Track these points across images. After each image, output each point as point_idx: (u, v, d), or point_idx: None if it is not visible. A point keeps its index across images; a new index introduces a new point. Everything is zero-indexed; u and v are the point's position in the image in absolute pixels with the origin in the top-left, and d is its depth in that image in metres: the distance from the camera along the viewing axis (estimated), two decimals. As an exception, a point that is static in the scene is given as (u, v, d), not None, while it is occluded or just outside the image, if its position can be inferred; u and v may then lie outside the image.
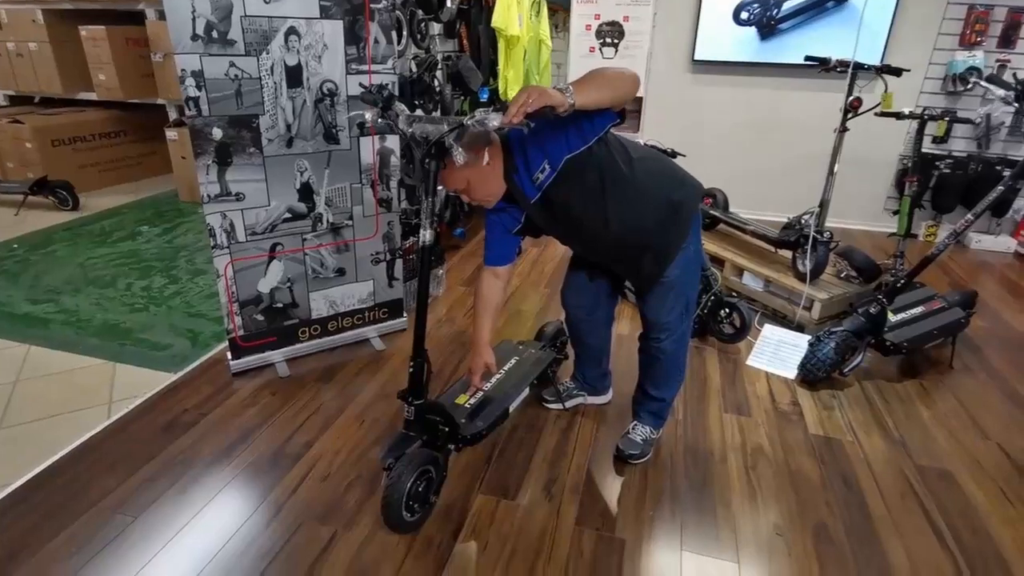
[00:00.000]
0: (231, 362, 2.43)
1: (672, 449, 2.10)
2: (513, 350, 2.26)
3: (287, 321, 2.50)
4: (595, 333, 2.15)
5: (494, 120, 1.35)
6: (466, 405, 1.91)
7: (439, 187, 1.67)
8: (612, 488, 1.91)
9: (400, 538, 1.69)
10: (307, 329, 2.56)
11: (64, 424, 2.18)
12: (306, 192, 2.35)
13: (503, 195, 1.69)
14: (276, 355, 2.51)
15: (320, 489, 1.87)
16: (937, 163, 4.05)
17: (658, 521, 1.79)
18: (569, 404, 2.26)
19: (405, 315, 2.83)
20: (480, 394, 1.97)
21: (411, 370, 1.60)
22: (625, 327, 2.90)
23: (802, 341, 2.63)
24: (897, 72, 2.82)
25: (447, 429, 1.77)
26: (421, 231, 1.52)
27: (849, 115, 2.79)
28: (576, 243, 1.88)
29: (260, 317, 2.42)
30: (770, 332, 2.76)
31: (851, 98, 2.74)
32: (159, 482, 1.89)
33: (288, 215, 2.34)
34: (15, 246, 3.82)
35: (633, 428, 2.05)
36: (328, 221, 2.45)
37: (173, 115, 4.85)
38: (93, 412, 2.24)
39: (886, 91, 2.75)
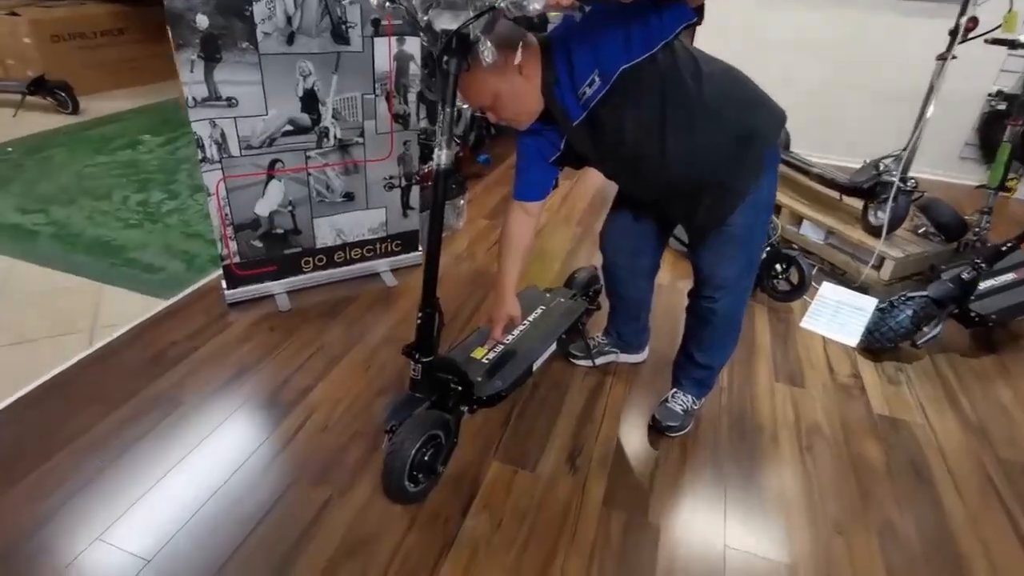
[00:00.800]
0: (226, 291, 2.19)
1: (715, 421, 1.84)
2: (539, 298, 1.98)
3: (289, 249, 2.24)
4: (635, 284, 1.85)
5: (536, 2, 1.01)
6: (483, 360, 1.66)
7: (463, 104, 1.34)
8: (646, 464, 1.67)
9: (402, 508, 1.48)
10: (311, 259, 2.30)
11: (41, 351, 1.98)
12: (310, 101, 2.02)
13: (539, 114, 1.36)
14: (276, 286, 2.26)
15: (317, 443, 1.67)
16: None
17: (698, 507, 1.55)
18: (599, 361, 2.00)
19: (420, 249, 2.55)
20: (500, 348, 1.71)
21: (419, 322, 1.33)
22: (664, 275, 2.58)
23: (867, 304, 2.30)
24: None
25: (460, 388, 1.52)
26: (436, 151, 1.21)
27: (959, 40, 2.32)
28: (624, 176, 1.55)
29: (258, 243, 2.16)
30: (829, 292, 2.43)
31: (966, 18, 2.26)
32: (139, 423, 1.70)
33: (289, 128, 2.02)
34: (9, 149, 3.57)
35: (673, 396, 1.79)
36: (335, 137, 2.12)
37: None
38: (74, 339, 2.04)
39: (1011, 10, 2.26)
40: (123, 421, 1.70)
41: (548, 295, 2.00)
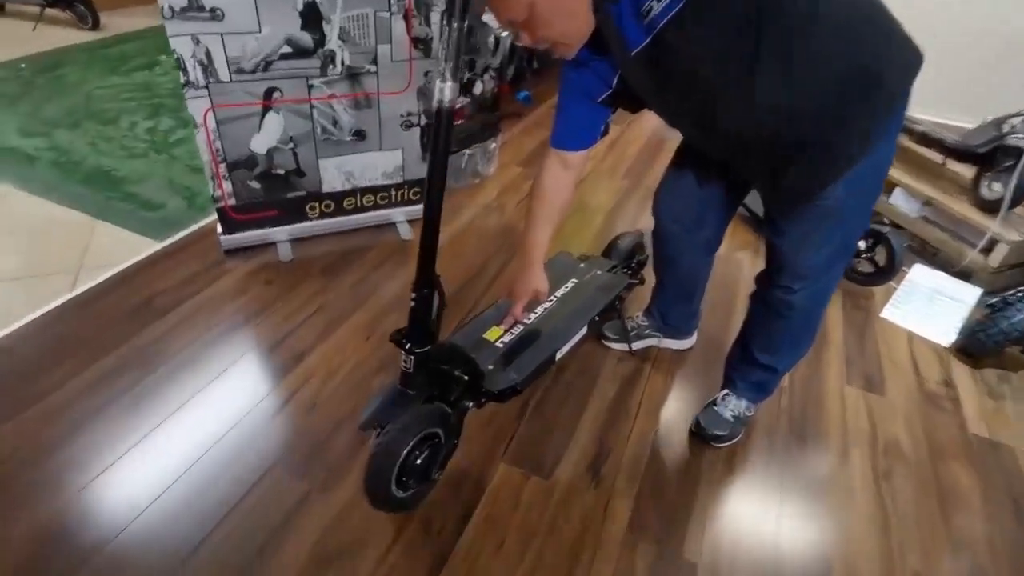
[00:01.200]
0: (222, 237, 1.96)
1: (771, 430, 1.54)
2: (571, 268, 1.67)
3: (291, 193, 1.97)
4: (692, 259, 1.53)
5: None
6: (498, 344, 1.38)
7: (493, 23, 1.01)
8: (684, 480, 1.40)
9: (389, 515, 1.26)
10: (317, 205, 2.03)
11: (20, 292, 1.81)
12: (312, 17, 1.70)
13: (589, 38, 1.02)
14: (278, 233, 2.02)
15: (302, 424, 1.45)
16: None
17: (746, 543, 1.28)
18: (637, 347, 1.70)
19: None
20: (520, 329, 1.43)
21: (412, 304, 1.06)
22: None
23: (968, 295, 1.92)
24: None
25: (467, 378, 1.26)
26: (438, 82, 0.90)
27: None
28: (693, 125, 1.19)
29: (256, 184, 1.90)
30: (922, 276, 2.04)
31: None
32: (113, 383, 1.51)
33: (287, 50, 1.71)
34: (22, 66, 3.37)
35: (723, 398, 1.49)
36: (343, 63, 1.80)
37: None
38: (57, 280, 1.85)
39: None
40: (95, 380, 1.52)
41: (582, 265, 1.69)
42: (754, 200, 1.50)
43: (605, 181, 2.67)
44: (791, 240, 1.20)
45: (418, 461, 1.19)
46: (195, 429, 1.41)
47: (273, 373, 1.58)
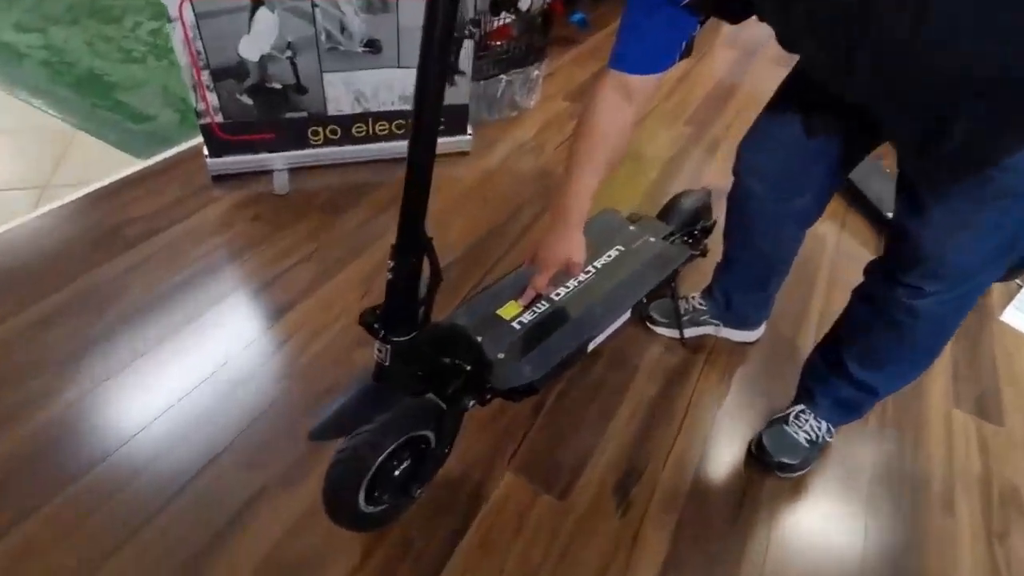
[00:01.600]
0: (208, 160, 1.68)
1: (851, 457, 1.21)
2: (618, 231, 1.32)
3: (290, 112, 1.66)
4: (777, 232, 1.17)
5: None
6: (514, 324, 1.07)
7: None
8: (738, 514, 1.09)
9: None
10: (321, 130, 1.72)
11: (-26, 208, 1.58)
12: None
13: None
14: (275, 160, 1.72)
15: (269, 397, 1.19)
16: None
17: (811, 610, 0.99)
18: (690, 334, 1.38)
19: (471, 132, 1.90)
20: (545, 307, 1.11)
21: (389, 276, 0.75)
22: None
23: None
24: None
25: (470, 368, 0.96)
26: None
27: None
28: (832, 45, 0.79)
29: (247, 100, 1.59)
30: (1058, 273, 1.62)
31: None
32: (56, 327, 1.28)
33: (283, -76, 1.36)
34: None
35: (797, 416, 1.16)
36: (354, -51, 1.44)
37: None
38: (18, 197, 1.61)
39: None
40: (36, 322, 1.29)
41: (632, 228, 1.34)
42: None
43: (662, 126, 2.26)
44: (937, 225, 0.84)
45: (396, 472, 0.92)
46: (136, 397, 1.17)
47: (244, 331, 1.32)
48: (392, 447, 0.89)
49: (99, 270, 1.43)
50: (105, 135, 1.86)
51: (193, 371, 1.22)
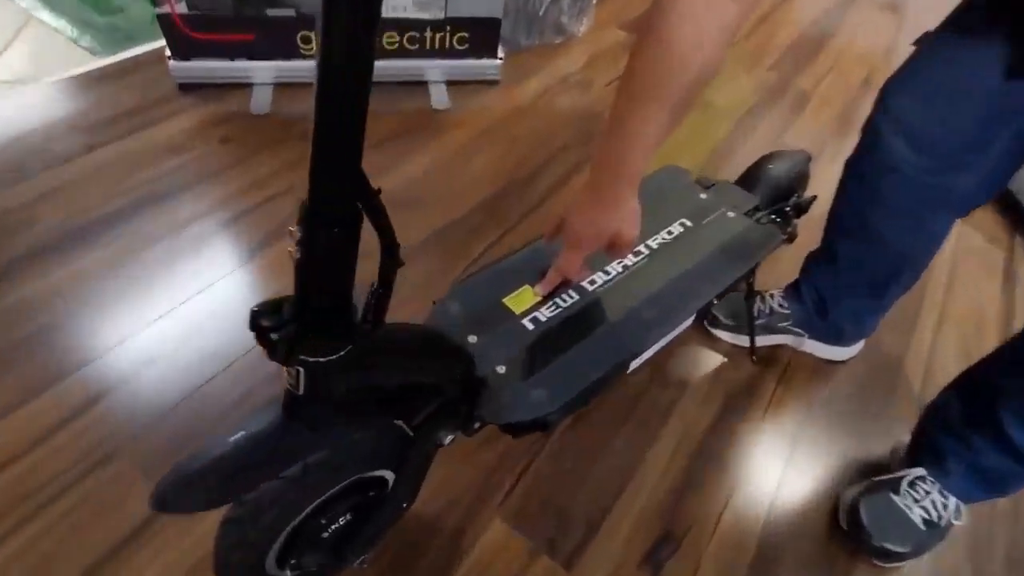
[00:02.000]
0: (171, 62, 1.35)
1: (975, 542, 0.88)
2: (685, 198, 0.96)
3: (274, 10, 1.31)
4: (923, 220, 0.81)
5: None
6: (526, 323, 0.74)
7: None
8: (813, 618, 0.78)
9: None
10: (314, 36, 1.36)
11: None
12: None
13: None
14: (257, 71, 1.39)
15: (194, 383, 0.90)
16: None
17: None
18: (763, 343, 1.03)
19: (502, 56, 1.53)
20: (573, 302, 0.77)
21: (297, 256, 0.42)
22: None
23: None
24: None
25: (448, 391, 0.64)
26: None
27: None
28: None
29: (219, -13, 1.24)
30: None
31: None
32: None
33: None
34: None
35: (913, 484, 0.83)
36: None
37: None
38: (-63, 92, 1.32)
39: None
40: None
41: (703, 196, 0.97)
42: None
43: (743, 72, 1.84)
44: None
45: (325, 533, 0.62)
46: (34, 358, 0.89)
47: (183, 286, 1.02)
48: (319, 501, 0.59)
49: (11, 191, 1.13)
50: (61, 24, 1.54)
51: (113, 334, 0.93)
